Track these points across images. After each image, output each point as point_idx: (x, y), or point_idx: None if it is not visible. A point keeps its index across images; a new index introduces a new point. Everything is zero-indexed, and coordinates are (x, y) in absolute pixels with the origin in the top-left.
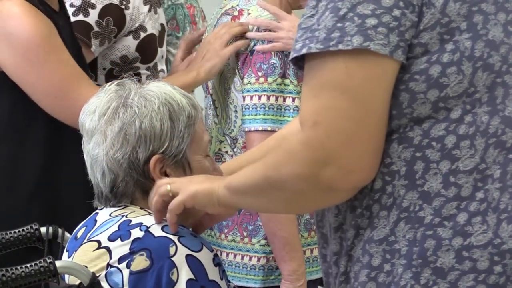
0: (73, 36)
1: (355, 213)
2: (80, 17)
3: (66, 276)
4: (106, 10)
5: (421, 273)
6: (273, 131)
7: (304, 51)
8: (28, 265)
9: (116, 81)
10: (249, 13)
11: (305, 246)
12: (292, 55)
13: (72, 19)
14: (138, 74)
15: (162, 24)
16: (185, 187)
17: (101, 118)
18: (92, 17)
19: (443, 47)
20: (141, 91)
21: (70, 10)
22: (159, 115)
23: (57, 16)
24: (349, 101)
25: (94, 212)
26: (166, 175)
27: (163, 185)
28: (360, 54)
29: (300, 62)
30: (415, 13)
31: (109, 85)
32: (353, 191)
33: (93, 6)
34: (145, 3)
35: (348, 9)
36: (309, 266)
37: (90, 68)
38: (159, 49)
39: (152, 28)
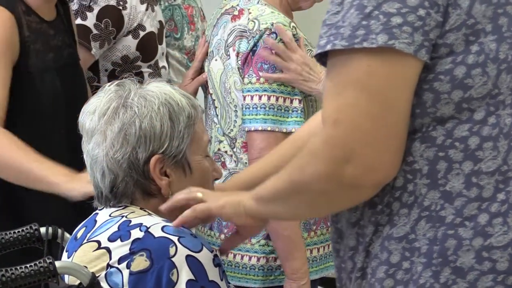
0: (71, 43)
1: (375, 209)
2: (78, 21)
3: (66, 276)
4: (103, 12)
5: (440, 272)
6: (272, 131)
7: (328, 47)
8: (28, 265)
9: (116, 81)
10: (250, 13)
11: (305, 247)
12: (317, 51)
13: None
14: (140, 73)
15: (160, 21)
16: (215, 198)
17: (101, 118)
18: (90, 20)
19: (468, 49)
20: (141, 91)
21: None
22: (159, 115)
23: (49, 25)
24: (370, 99)
25: (94, 213)
26: (166, 176)
27: (195, 191)
28: (384, 52)
29: (323, 58)
30: (440, 13)
31: (108, 85)
32: (375, 188)
33: (91, 9)
34: (141, 2)
35: (374, 7)
36: (308, 267)
37: (92, 71)
38: (159, 46)
39: (150, 26)
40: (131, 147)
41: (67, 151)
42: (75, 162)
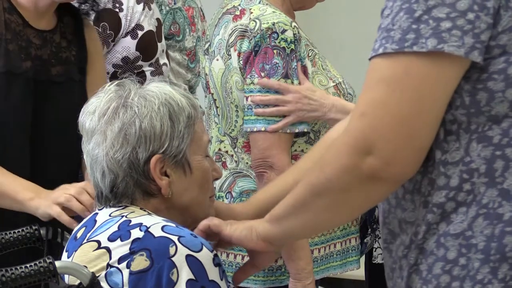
0: (68, 60)
1: (428, 208)
2: None
3: (66, 276)
4: (100, 16)
5: (498, 268)
6: (276, 131)
7: (380, 51)
8: (28, 265)
9: (116, 82)
10: (251, 12)
11: (309, 246)
12: (371, 54)
13: None
14: (142, 72)
15: (157, 19)
16: (232, 223)
17: (101, 118)
18: None
19: None
20: (141, 91)
21: None
22: (159, 115)
23: (36, 34)
24: (399, 99)
25: (94, 213)
26: (166, 175)
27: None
28: (432, 55)
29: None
30: (490, 15)
31: (108, 85)
32: (395, 184)
33: (87, 15)
34: (138, 2)
35: (423, 11)
36: None
37: None
38: (158, 44)
39: (148, 25)
40: (131, 147)
41: (29, 164)
42: (37, 172)
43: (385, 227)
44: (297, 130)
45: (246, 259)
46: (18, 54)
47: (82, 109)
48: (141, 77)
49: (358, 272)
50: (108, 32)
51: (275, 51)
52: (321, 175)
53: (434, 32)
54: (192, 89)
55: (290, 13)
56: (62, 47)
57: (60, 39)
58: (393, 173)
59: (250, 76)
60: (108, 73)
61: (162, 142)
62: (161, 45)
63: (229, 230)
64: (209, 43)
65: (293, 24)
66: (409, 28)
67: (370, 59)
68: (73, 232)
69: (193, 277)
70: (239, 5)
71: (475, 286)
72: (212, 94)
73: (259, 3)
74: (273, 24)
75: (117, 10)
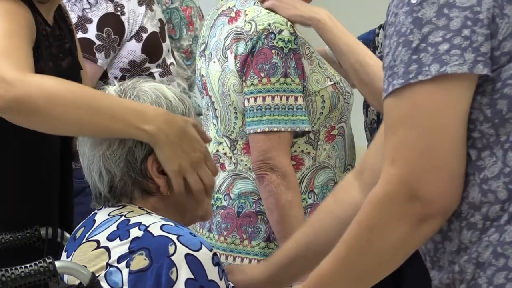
0: (70, 49)
1: (472, 223)
2: (80, 35)
3: (65, 276)
4: (103, 21)
5: None
6: (279, 131)
7: (390, 89)
8: (28, 265)
9: (116, 83)
10: (246, 14)
11: None
12: (384, 95)
13: None
14: (150, 74)
15: (160, 20)
16: None
17: None
18: (91, 32)
19: None
20: (134, 91)
21: None
22: None
23: (50, 31)
24: (417, 134)
25: (93, 212)
26: (164, 174)
27: None
28: (438, 80)
29: None
30: (484, 26)
31: (108, 87)
32: (445, 217)
33: (90, 21)
34: (140, 4)
35: (420, 40)
36: None
37: (102, 80)
38: (163, 44)
39: (152, 26)
40: (127, 147)
41: (60, 161)
42: (67, 170)
43: (436, 265)
44: (297, 129)
45: (246, 261)
46: (46, 57)
47: None
48: None
49: None
50: (113, 37)
51: (273, 51)
52: (369, 231)
53: (435, 57)
54: (191, 88)
55: None
56: (62, 37)
57: (59, 31)
58: (440, 208)
59: (250, 78)
60: (116, 77)
61: None
62: (166, 45)
63: None
64: (205, 45)
65: (289, 23)
66: (410, 60)
67: (383, 100)
68: (72, 232)
69: (192, 276)
70: (234, 6)
71: None
72: (210, 96)
73: (254, 4)
74: (269, 25)
75: (119, 13)
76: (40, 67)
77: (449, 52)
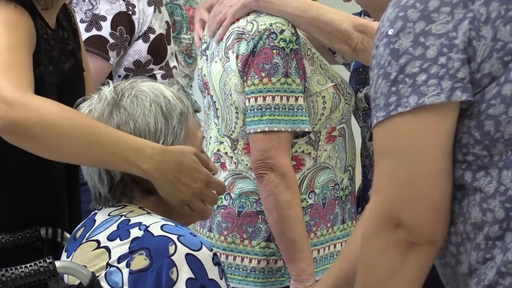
0: (72, 51)
1: (481, 247)
2: (94, 32)
3: (65, 276)
4: (117, 20)
5: None
6: (279, 131)
7: (375, 121)
8: (28, 265)
9: (111, 84)
10: (248, 14)
11: (310, 247)
12: (372, 129)
13: (85, 35)
14: (153, 76)
15: (167, 22)
16: None
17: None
18: (106, 30)
19: (508, 68)
20: (132, 91)
21: (82, 26)
22: (152, 113)
23: (52, 34)
24: (397, 164)
25: (93, 212)
26: None
27: None
28: (417, 112)
29: None
30: (460, 51)
31: (103, 88)
32: (434, 244)
33: (104, 18)
34: (149, 4)
35: (397, 71)
36: None
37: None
38: (168, 47)
39: (159, 28)
40: None
41: (64, 171)
42: (72, 181)
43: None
44: (298, 129)
45: (246, 260)
46: (45, 61)
47: None
48: None
49: None
50: (125, 36)
51: (274, 51)
52: (367, 272)
53: (413, 89)
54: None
55: None
56: (65, 39)
57: (62, 32)
58: (425, 236)
59: (251, 77)
60: (119, 76)
61: (157, 139)
62: (171, 48)
63: None
64: (206, 44)
65: (290, 23)
66: (390, 92)
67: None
68: (73, 232)
69: (192, 276)
70: None
71: None
72: (212, 96)
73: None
74: (271, 25)
75: (130, 13)
76: (39, 72)
77: (426, 83)
